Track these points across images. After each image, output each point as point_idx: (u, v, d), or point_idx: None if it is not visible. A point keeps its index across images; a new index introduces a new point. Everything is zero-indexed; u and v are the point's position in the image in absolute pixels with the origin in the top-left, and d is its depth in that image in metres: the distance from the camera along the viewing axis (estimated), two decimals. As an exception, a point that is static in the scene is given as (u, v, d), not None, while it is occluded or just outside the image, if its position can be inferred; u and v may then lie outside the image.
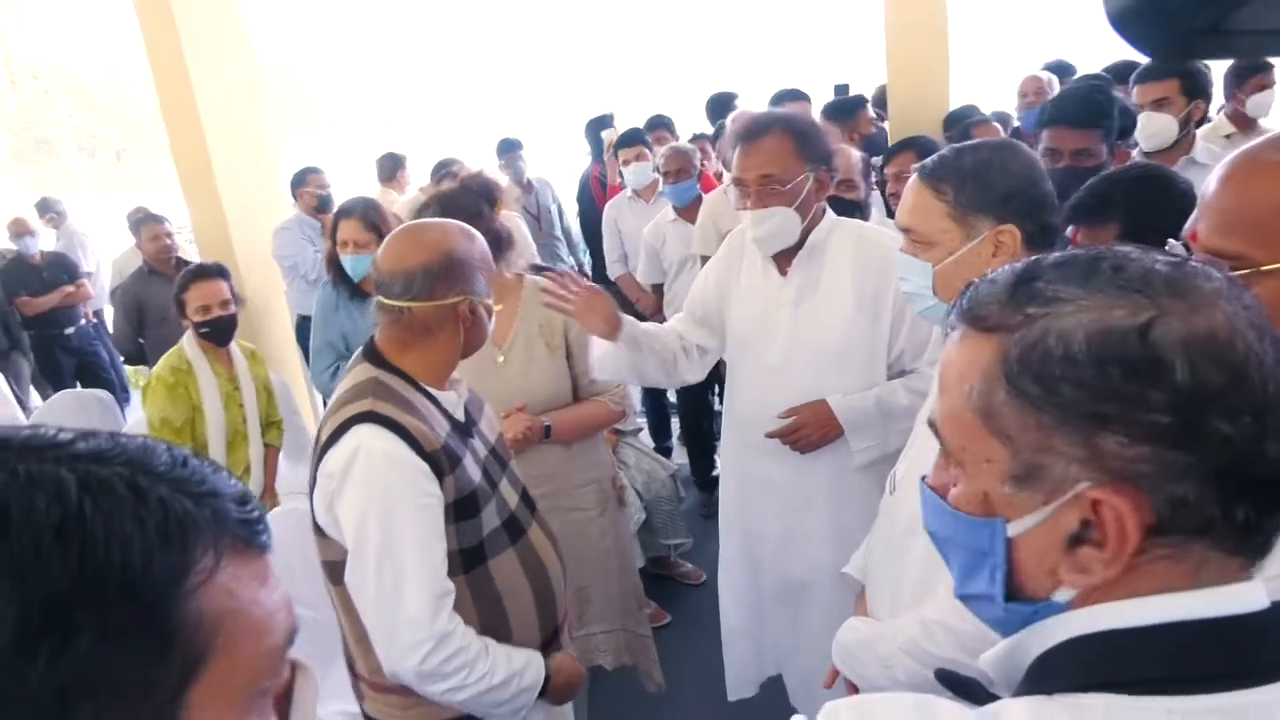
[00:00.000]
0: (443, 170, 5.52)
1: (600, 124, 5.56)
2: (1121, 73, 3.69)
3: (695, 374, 2.28)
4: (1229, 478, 0.59)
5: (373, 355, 1.63)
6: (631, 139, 4.56)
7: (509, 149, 6.03)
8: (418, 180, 6.36)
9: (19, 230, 5.93)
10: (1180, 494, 0.59)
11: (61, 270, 6.01)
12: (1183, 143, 2.85)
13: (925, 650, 1.32)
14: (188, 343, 3.16)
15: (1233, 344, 0.59)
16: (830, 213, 2.15)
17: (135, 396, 6.71)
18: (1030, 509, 0.64)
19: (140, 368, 5.30)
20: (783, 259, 2.14)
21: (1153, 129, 2.83)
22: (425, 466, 1.50)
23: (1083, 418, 0.61)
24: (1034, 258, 0.68)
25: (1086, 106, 2.49)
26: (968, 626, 1.21)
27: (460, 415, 1.67)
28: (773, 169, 2.02)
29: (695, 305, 2.29)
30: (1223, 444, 0.58)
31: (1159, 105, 2.84)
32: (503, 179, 6.00)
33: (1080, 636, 0.63)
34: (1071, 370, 0.61)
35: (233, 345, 3.27)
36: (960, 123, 3.94)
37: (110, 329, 5.57)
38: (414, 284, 1.56)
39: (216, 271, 3.23)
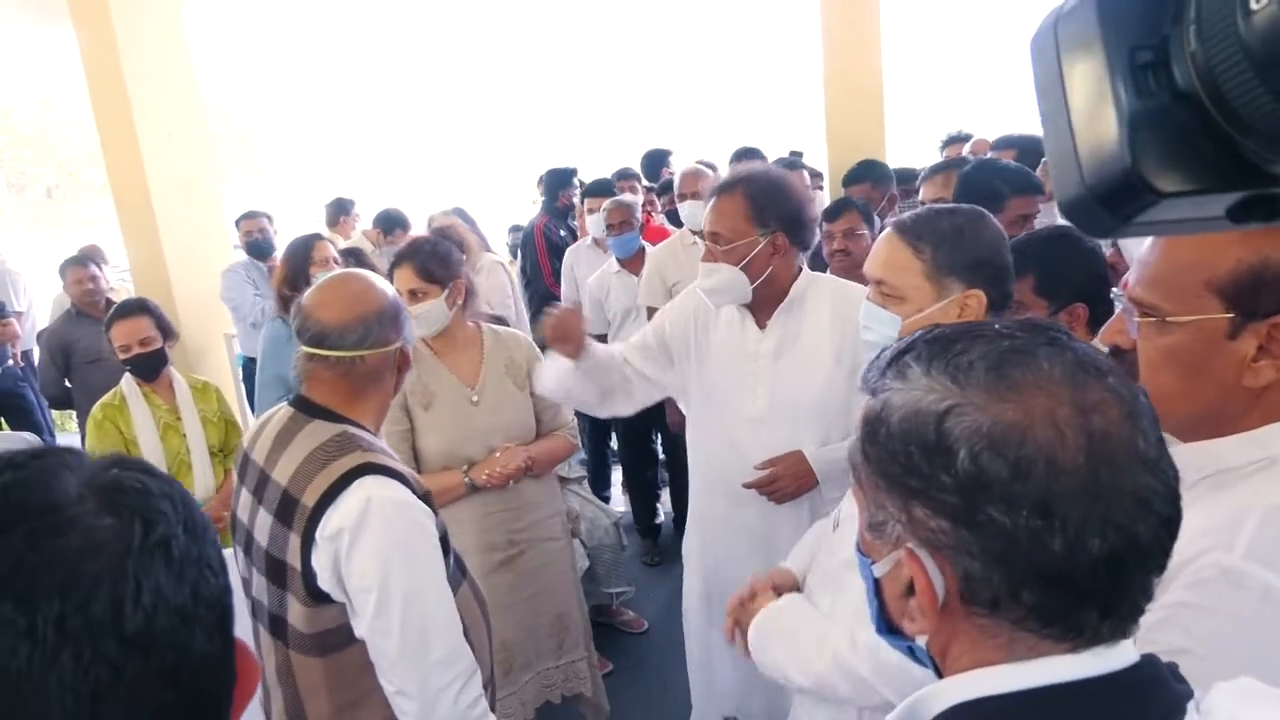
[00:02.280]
0: (385, 219, 5.58)
1: (560, 176, 5.50)
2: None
3: (628, 408, 2.33)
4: (1011, 563, 0.63)
5: (317, 410, 1.58)
6: (599, 189, 4.60)
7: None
8: (364, 225, 6.37)
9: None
10: (970, 569, 0.64)
11: (-13, 308, 5.82)
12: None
13: (852, 667, 1.35)
14: (126, 378, 3.19)
15: (1023, 439, 0.61)
16: (806, 269, 2.20)
17: (62, 440, 6.50)
18: (883, 556, 0.71)
19: (69, 412, 5.16)
20: (761, 312, 2.18)
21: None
22: (428, 509, 1.52)
23: (900, 486, 0.67)
24: (919, 333, 0.73)
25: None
26: (893, 658, 1.25)
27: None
28: (721, 228, 2.08)
29: (654, 338, 2.31)
30: (1000, 532, 0.62)
31: None
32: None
33: (954, 707, 0.68)
34: (889, 443, 0.67)
35: (175, 376, 3.27)
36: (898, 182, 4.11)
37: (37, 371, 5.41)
38: (371, 331, 1.57)
39: (137, 308, 3.22)
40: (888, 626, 0.75)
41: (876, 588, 0.74)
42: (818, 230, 2.82)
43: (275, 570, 1.51)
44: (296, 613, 1.50)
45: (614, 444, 4.86)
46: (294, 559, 1.47)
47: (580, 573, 3.40)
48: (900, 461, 0.66)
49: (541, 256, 5.25)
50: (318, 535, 1.45)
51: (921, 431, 0.65)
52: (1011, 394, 0.63)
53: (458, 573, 1.66)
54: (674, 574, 4.25)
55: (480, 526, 2.42)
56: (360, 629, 1.47)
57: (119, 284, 6.44)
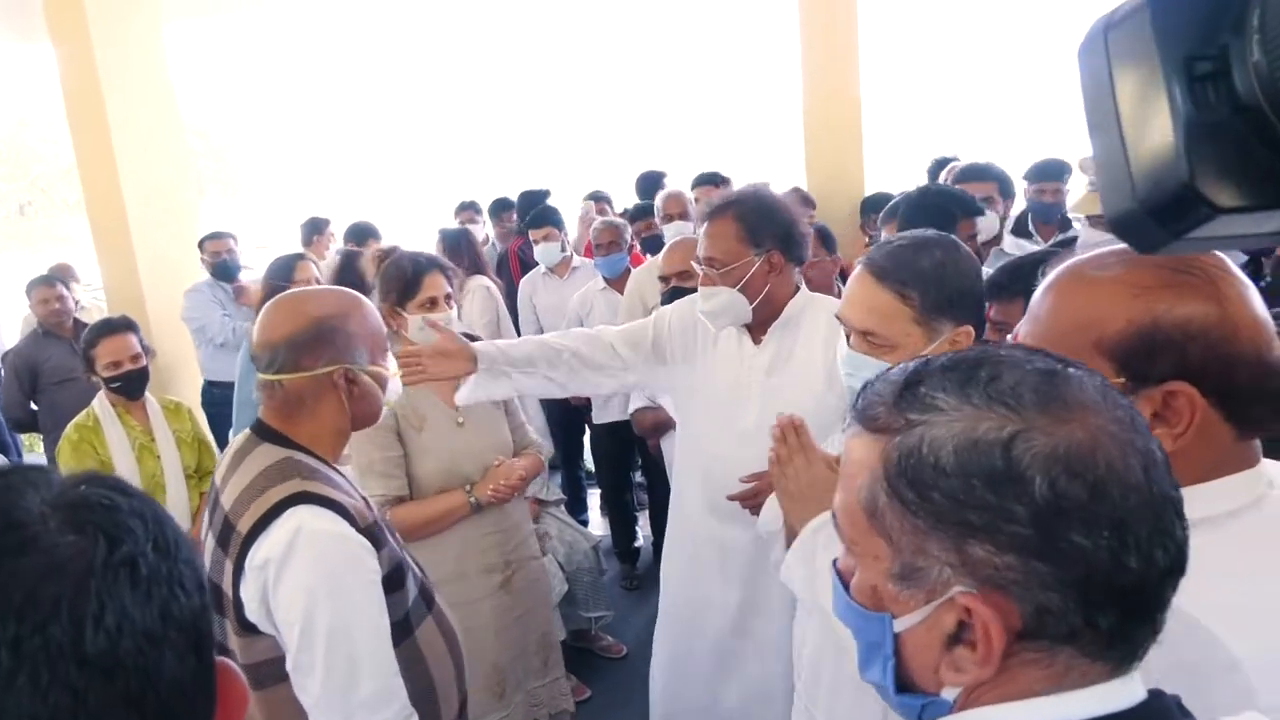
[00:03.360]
0: (356, 231, 5.57)
1: (533, 198, 5.48)
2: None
3: (609, 385, 2.33)
4: (1090, 588, 0.60)
5: (269, 433, 1.54)
6: (540, 219, 4.59)
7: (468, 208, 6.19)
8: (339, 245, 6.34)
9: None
10: (1045, 602, 0.60)
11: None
12: (997, 235, 3.10)
13: None
14: (98, 399, 3.14)
15: (1094, 459, 0.60)
16: (804, 288, 2.21)
17: (29, 461, 6.36)
18: (913, 607, 0.65)
19: (35, 435, 5.05)
20: (757, 328, 2.18)
21: (983, 224, 2.99)
22: (367, 543, 1.45)
23: (953, 525, 0.62)
24: (918, 362, 0.69)
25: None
26: None
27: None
28: (715, 253, 2.10)
29: (651, 333, 2.27)
30: (1080, 557, 0.59)
31: (986, 203, 3.01)
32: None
33: None
34: (941, 480, 0.62)
35: (149, 398, 3.23)
36: (880, 208, 4.13)
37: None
38: (277, 357, 1.51)
39: (124, 325, 3.19)
40: (902, 685, 0.69)
41: (895, 646, 0.68)
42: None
43: (215, 595, 1.46)
44: (234, 641, 1.46)
45: (589, 463, 4.83)
46: (228, 586, 1.43)
47: (559, 597, 3.36)
48: (958, 498, 0.61)
49: (516, 278, 5.24)
50: (246, 565, 1.40)
51: (985, 462, 0.61)
52: (1069, 415, 0.61)
53: (422, 604, 1.59)
54: (653, 599, 4.20)
55: (479, 547, 2.42)
56: (288, 663, 1.42)
57: (91, 302, 6.33)
